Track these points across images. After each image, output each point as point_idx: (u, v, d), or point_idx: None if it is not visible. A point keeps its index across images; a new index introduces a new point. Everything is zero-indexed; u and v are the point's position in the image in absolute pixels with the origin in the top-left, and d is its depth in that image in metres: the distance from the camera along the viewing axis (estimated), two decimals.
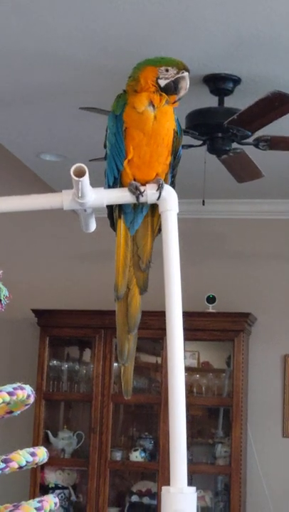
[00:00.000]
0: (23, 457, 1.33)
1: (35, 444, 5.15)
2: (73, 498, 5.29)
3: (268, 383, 5.38)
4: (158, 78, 1.65)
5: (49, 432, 5.30)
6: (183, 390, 1.42)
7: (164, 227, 1.56)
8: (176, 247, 1.54)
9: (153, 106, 1.64)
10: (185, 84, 1.67)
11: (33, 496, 5.09)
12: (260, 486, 5.21)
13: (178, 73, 1.66)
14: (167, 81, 1.66)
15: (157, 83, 1.65)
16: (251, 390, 5.33)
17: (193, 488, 1.40)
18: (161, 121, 1.64)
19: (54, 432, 5.33)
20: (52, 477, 5.24)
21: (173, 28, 3.21)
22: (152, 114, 1.64)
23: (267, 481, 5.21)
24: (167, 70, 1.66)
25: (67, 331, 5.39)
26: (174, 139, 1.69)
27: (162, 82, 1.65)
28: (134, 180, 1.65)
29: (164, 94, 1.65)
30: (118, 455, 5.21)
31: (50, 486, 5.22)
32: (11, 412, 1.41)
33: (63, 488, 5.25)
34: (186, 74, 1.67)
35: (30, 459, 1.34)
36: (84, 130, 4.33)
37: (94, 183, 1.55)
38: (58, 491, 5.19)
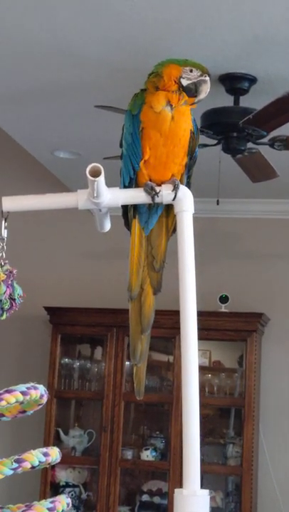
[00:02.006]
0: (36, 457, 1.33)
1: (46, 442, 5.16)
2: (84, 496, 5.29)
3: (281, 384, 5.36)
4: (181, 77, 1.66)
5: (60, 430, 5.30)
6: (197, 392, 1.42)
7: (180, 228, 1.55)
8: (191, 247, 1.54)
9: (170, 106, 1.64)
10: (206, 88, 1.68)
11: (43, 494, 5.10)
12: (271, 487, 5.19)
13: (201, 76, 1.67)
14: (190, 81, 1.66)
15: (180, 82, 1.65)
16: (263, 391, 5.31)
17: (206, 491, 1.40)
18: (178, 121, 1.64)
19: (65, 430, 5.33)
20: (63, 475, 5.24)
21: (188, 27, 3.20)
22: (170, 115, 1.64)
23: (278, 482, 5.19)
24: (191, 71, 1.67)
25: (79, 329, 5.39)
26: (190, 139, 1.68)
27: (185, 82, 1.66)
28: (150, 180, 1.64)
29: (183, 93, 1.65)
30: (129, 454, 5.21)
31: (60, 484, 5.23)
32: (24, 411, 1.41)
33: (74, 486, 5.25)
34: (208, 78, 1.68)
35: (43, 459, 1.34)
36: (98, 128, 4.33)
37: (108, 182, 1.55)
38: (68, 489, 5.19)
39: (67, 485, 5.22)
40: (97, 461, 5.16)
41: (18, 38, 3.36)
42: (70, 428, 5.37)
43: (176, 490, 1.39)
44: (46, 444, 5.10)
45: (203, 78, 1.67)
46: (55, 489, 5.20)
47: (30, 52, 3.49)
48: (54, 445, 5.02)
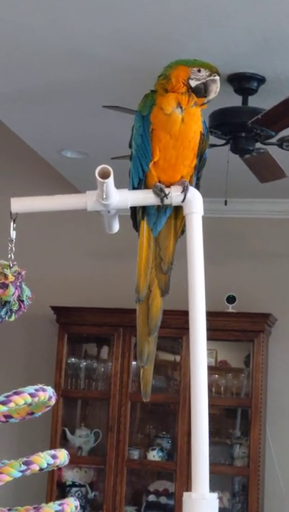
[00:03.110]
0: (44, 460, 1.32)
1: (52, 441, 5.16)
2: (90, 495, 5.29)
3: (288, 384, 5.34)
4: (189, 78, 1.64)
5: (66, 430, 5.30)
6: (205, 394, 1.41)
7: (189, 230, 1.54)
8: (200, 249, 1.53)
9: (181, 107, 1.63)
10: (215, 88, 1.66)
11: (50, 494, 5.10)
12: (278, 488, 5.18)
13: (210, 76, 1.65)
14: (198, 82, 1.65)
15: (188, 83, 1.64)
16: (270, 391, 5.30)
17: (215, 494, 1.39)
18: (188, 123, 1.63)
19: (71, 430, 5.33)
20: (69, 475, 5.24)
21: (197, 27, 3.19)
22: (180, 116, 1.63)
23: (285, 483, 5.18)
24: (199, 71, 1.65)
25: (86, 329, 5.39)
26: (200, 141, 1.67)
27: (193, 83, 1.65)
28: (159, 182, 1.64)
29: (193, 95, 1.64)
30: (135, 454, 5.20)
31: (67, 483, 5.23)
32: (33, 413, 1.41)
33: (80, 486, 5.25)
34: (217, 78, 1.66)
35: (52, 461, 1.34)
36: (106, 127, 4.32)
37: (116, 182, 1.54)
38: (75, 489, 5.19)
39: (73, 485, 5.22)
40: (104, 460, 5.16)
41: (25, 38, 3.36)
42: (76, 428, 5.37)
43: (184, 493, 1.39)
44: (53, 444, 5.10)
45: (212, 78, 1.65)
46: (62, 489, 5.20)
47: (38, 53, 3.49)
48: (60, 445, 5.05)
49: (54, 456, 1.33)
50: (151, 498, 5.20)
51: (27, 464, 1.30)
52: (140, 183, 1.68)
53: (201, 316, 1.49)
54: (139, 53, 3.43)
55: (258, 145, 3.70)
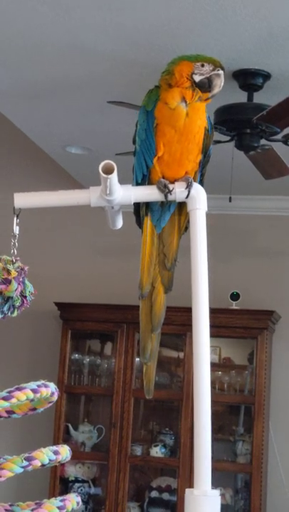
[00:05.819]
0: (46, 455, 1.32)
1: (55, 437, 5.16)
2: (93, 491, 5.29)
3: None
4: (193, 73, 1.64)
5: (70, 425, 5.30)
6: (208, 391, 1.41)
7: (193, 226, 1.54)
8: (204, 245, 1.53)
9: (185, 102, 1.63)
10: (219, 82, 1.65)
11: (53, 489, 5.11)
12: (280, 485, 5.18)
13: (213, 70, 1.65)
14: (202, 77, 1.65)
15: (192, 78, 1.64)
16: (274, 388, 5.29)
17: (217, 491, 1.39)
18: (193, 118, 1.63)
19: (75, 426, 5.34)
20: (72, 470, 5.25)
21: (203, 23, 3.18)
22: (184, 111, 1.63)
23: (288, 480, 5.18)
24: (203, 66, 1.65)
25: (89, 325, 5.39)
26: (204, 136, 1.67)
27: (197, 78, 1.64)
28: (163, 177, 1.63)
29: (197, 89, 1.63)
30: (138, 450, 5.21)
31: (70, 479, 5.23)
32: (35, 409, 1.41)
33: (83, 481, 5.26)
34: (221, 72, 1.65)
35: (53, 457, 1.34)
36: (110, 123, 4.32)
37: (120, 178, 1.54)
38: (77, 485, 5.19)
39: (76, 480, 5.23)
40: (107, 456, 5.16)
41: (29, 33, 3.35)
42: (79, 423, 5.37)
43: (186, 490, 1.39)
44: (56, 439, 5.11)
45: (216, 72, 1.65)
46: (65, 484, 5.20)
47: (42, 48, 3.48)
48: (63, 440, 5.05)
49: (56, 452, 1.33)
50: (154, 494, 5.20)
51: (29, 459, 1.30)
52: (144, 178, 1.68)
53: (204, 313, 1.49)
54: (144, 49, 3.42)
55: (263, 141, 3.69)
